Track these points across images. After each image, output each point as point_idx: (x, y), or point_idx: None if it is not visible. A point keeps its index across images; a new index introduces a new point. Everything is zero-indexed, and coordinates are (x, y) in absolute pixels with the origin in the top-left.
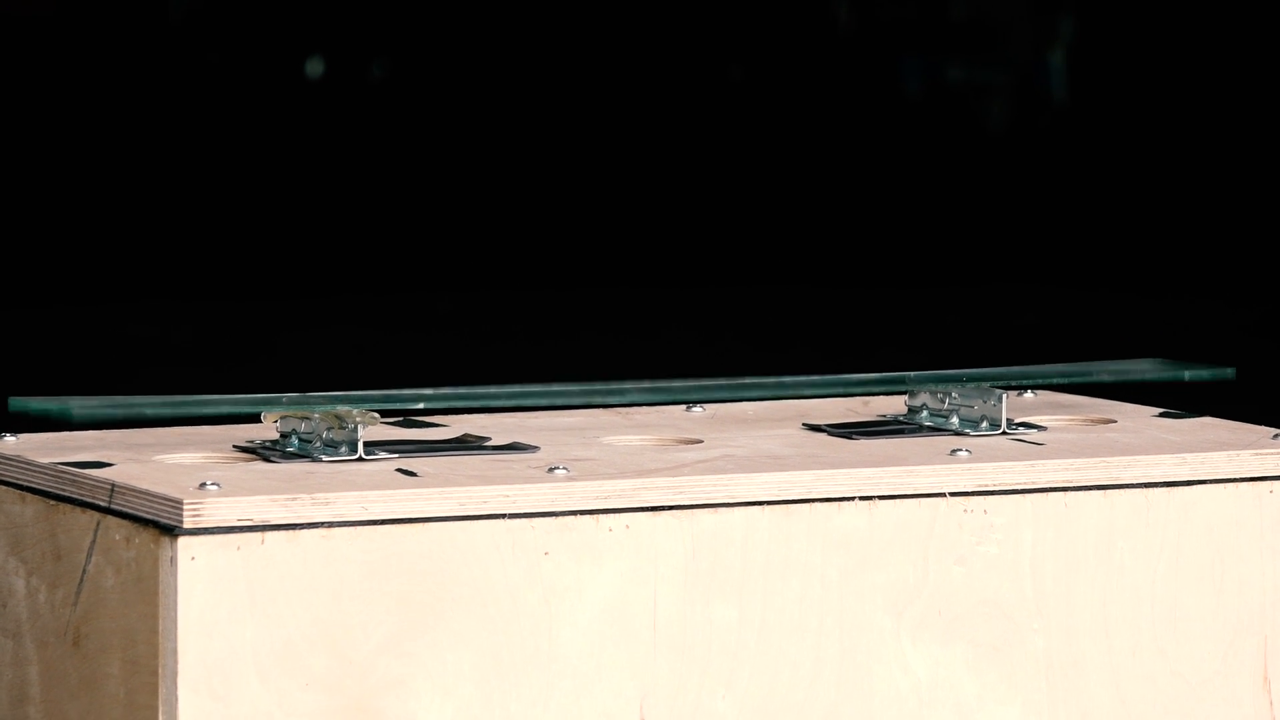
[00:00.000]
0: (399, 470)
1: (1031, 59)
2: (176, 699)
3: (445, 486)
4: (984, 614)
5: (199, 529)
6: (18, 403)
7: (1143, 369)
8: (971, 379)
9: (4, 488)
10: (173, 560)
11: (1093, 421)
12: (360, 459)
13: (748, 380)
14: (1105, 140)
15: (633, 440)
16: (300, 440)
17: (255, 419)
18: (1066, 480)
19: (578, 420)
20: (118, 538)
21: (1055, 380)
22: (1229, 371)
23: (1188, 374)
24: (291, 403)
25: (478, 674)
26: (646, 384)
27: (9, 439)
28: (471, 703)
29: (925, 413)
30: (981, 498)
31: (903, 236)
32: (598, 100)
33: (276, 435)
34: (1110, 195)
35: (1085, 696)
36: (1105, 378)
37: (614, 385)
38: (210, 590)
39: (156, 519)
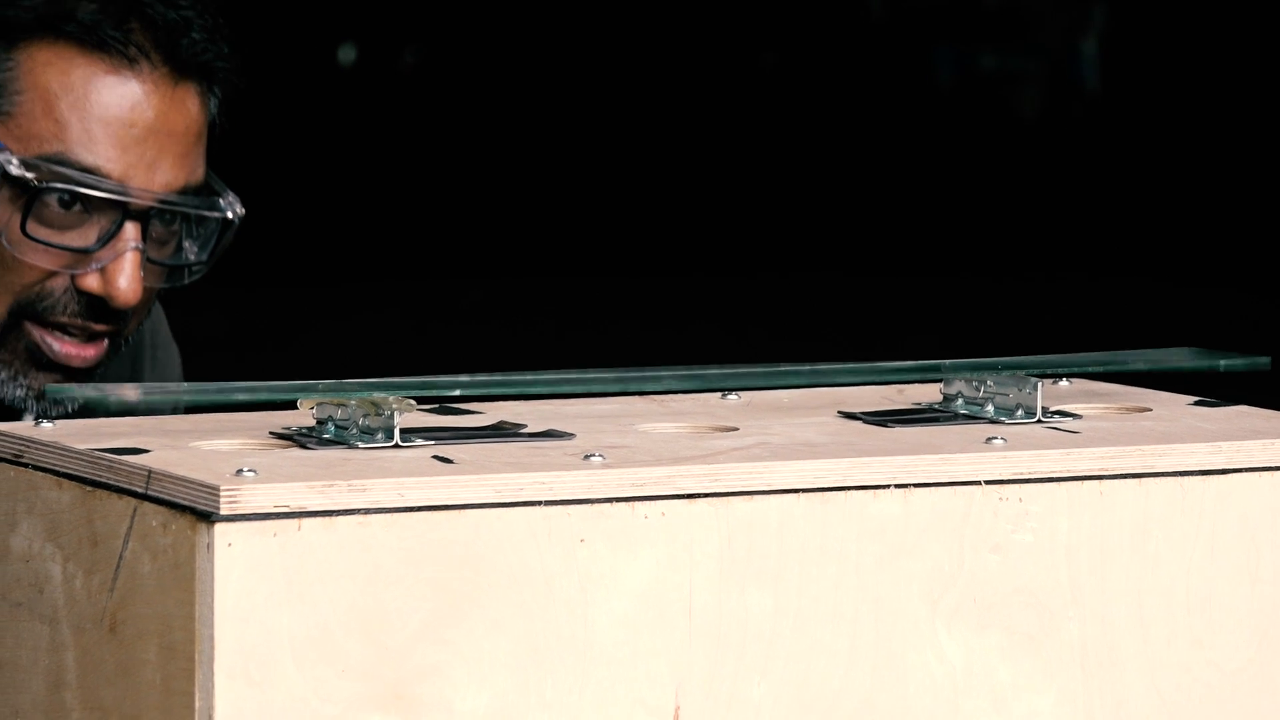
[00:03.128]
0: (435, 457)
1: (1064, 47)
2: (213, 685)
3: (481, 474)
4: (1019, 602)
5: (236, 515)
6: (55, 390)
7: (1178, 358)
8: (1007, 367)
9: (41, 474)
10: (209, 547)
11: (1128, 410)
12: (396, 446)
13: (783, 368)
14: (1138, 128)
15: (668, 428)
16: (337, 427)
17: (292, 406)
18: (1102, 468)
19: (613, 408)
20: (154, 524)
21: (1090, 369)
22: (1264, 361)
23: (1223, 363)
24: (328, 389)
25: (513, 661)
26: (682, 371)
27: (45, 425)
28: (507, 689)
29: (960, 401)
30: (1017, 485)
31: (934, 225)
32: (630, 89)
33: (313, 422)
34: (1143, 184)
35: (1120, 685)
36: (1140, 366)
37: (649, 372)
38: (247, 577)
39: (193, 505)
